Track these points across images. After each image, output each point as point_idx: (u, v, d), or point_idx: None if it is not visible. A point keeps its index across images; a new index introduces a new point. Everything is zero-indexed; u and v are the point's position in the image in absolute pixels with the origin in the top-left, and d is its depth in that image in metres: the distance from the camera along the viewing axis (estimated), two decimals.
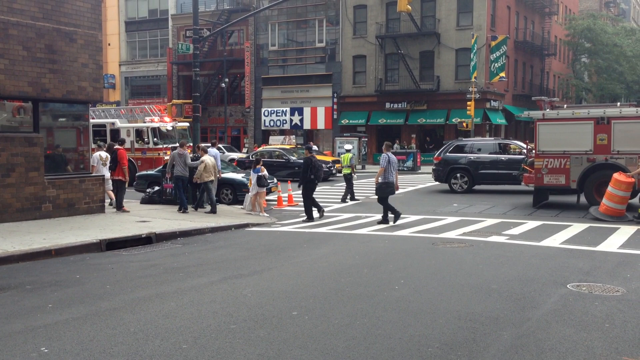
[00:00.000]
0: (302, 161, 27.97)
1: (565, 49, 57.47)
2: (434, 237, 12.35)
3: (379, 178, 14.67)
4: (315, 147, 23.04)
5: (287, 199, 19.60)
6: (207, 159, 16.60)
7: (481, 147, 22.65)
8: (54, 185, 14.69)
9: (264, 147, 35.67)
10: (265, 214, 16.52)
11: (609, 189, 14.66)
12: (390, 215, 14.76)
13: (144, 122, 27.89)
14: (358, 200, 20.31)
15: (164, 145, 27.48)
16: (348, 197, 20.11)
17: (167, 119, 28.86)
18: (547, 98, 18.19)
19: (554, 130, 16.55)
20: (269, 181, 18.15)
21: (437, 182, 23.34)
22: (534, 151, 17.24)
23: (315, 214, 15.96)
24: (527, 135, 48.06)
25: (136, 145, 27.42)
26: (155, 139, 27.28)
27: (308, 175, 15.68)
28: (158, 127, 27.61)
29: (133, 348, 5.74)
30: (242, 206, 17.65)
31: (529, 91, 48.33)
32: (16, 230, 12.54)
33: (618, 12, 72.29)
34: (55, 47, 14.57)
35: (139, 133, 27.67)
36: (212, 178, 16.71)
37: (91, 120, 29.35)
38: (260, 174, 16.53)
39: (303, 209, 16.38)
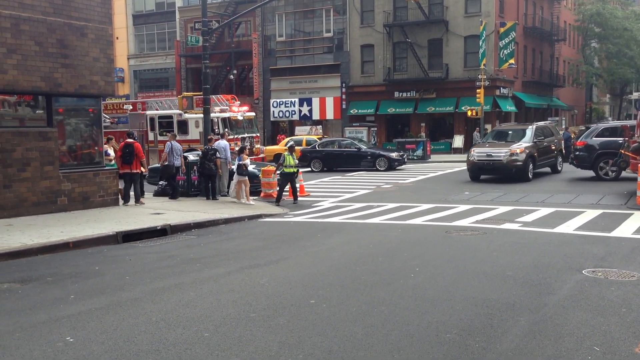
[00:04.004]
0: (372, 150, 28.10)
1: (575, 35, 56.97)
2: (447, 225, 12.38)
3: (163, 162, 17.62)
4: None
5: (298, 189, 19.60)
6: None
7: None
8: (69, 179, 14.83)
9: (302, 135, 36.08)
10: (251, 202, 16.68)
11: None
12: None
13: (213, 112, 26.43)
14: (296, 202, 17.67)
15: (235, 136, 26.48)
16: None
17: (235, 108, 28.07)
18: None
19: None
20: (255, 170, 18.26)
21: (580, 168, 21.33)
22: (635, 136, 16.03)
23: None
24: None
25: None
26: (226, 129, 25.88)
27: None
28: (228, 117, 26.84)
29: (156, 336, 5.85)
30: (232, 195, 17.63)
31: (539, 77, 48.01)
32: (33, 224, 12.70)
33: None
34: (66, 42, 14.66)
35: None
36: None
37: (157, 112, 29.55)
38: (240, 162, 16.68)
39: (313, 199, 16.41)
